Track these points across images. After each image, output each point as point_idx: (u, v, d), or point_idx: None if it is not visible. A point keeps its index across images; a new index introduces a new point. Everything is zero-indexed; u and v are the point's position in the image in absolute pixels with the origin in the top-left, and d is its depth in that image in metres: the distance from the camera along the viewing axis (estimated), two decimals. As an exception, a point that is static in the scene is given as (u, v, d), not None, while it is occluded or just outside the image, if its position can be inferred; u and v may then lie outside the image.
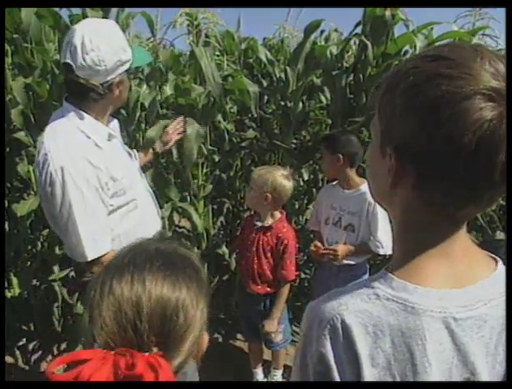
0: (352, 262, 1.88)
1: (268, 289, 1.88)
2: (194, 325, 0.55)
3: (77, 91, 1.26)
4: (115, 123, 1.46)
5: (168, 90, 2.12)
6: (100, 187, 1.22)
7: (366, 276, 1.99)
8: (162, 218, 2.16)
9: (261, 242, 1.84)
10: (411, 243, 0.52)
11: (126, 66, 1.29)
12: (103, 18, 1.94)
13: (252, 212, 2.23)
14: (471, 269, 0.51)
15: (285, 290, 1.87)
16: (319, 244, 1.89)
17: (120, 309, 0.51)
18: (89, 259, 1.22)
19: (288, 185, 1.78)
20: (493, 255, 0.55)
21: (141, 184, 1.46)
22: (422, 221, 0.51)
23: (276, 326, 1.89)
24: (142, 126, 2.27)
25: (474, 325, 0.49)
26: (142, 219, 1.39)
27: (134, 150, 1.63)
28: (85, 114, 1.27)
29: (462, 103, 0.43)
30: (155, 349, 0.50)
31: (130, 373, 0.45)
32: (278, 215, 1.87)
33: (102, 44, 1.21)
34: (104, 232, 1.25)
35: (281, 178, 1.77)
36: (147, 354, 0.48)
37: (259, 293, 1.89)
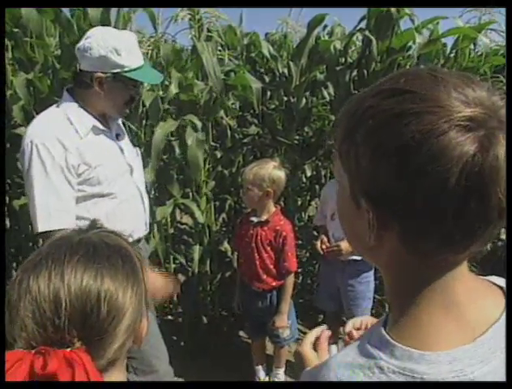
0: (357, 258, 1.88)
1: (274, 284, 1.88)
2: (122, 315, 0.53)
3: (74, 76, 1.41)
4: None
5: (173, 89, 2.10)
6: (66, 168, 1.27)
7: (372, 273, 1.99)
8: (163, 217, 2.16)
9: (259, 237, 1.84)
10: (406, 298, 0.45)
11: (114, 70, 1.34)
12: (104, 13, 1.92)
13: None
14: (479, 315, 0.45)
15: (290, 282, 1.88)
16: (325, 239, 1.89)
17: (38, 308, 0.50)
18: (39, 230, 1.25)
19: (283, 175, 1.84)
20: (498, 284, 0.49)
21: (127, 180, 1.48)
22: (415, 273, 0.45)
23: (286, 320, 1.90)
24: (144, 122, 2.25)
25: (493, 379, 0.42)
26: (119, 212, 1.42)
27: (137, 148, 1.64)
28: (75, 103, 1.37)
29: (438, 141, 0.37)
30: (77, 344, 0.49)
31: (44, 372, 0.44)
32: (273, 208, 1.87)
33: (98, 35, 1.33)
34: (63, 211, 1.27)
35: (276, 170, 1.80)
36: (66, 350, 0.47)
37: (264, 290, 1.88)
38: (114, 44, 1.32)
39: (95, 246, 0.57)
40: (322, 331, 0.73)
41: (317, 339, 0.72)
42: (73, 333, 0.50)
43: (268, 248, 1.85)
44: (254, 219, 1.87)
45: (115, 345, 0.53)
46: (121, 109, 1.44)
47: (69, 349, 0.48)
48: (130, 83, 1.38)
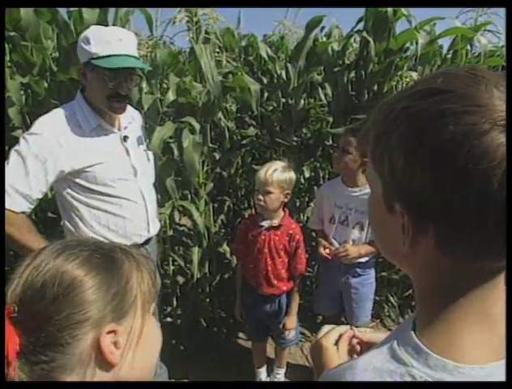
0: (361, 260, 1.88)
1: (284, 288, 1.87)
2: (70, 298, 0.52)
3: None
4: (135, 117, 1.60)
5: (171, 96, 2.09)
6: (50, 160, 1.29)
7: (373, 274, 1.99)
8: (161, 219, 2.16)
9: (272, 242, 1.81)
10: (439, 305, 0.43)
11: (86, 58, 1.34)
12: (101, 15, 1.92)
13: (253, 212, 2.21)
14: None
15: (299, 284, 1.89)
16: (327, 244, 1.88)
17: (11, 283, 0.53)
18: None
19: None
20: None
21: (130, 182, 1.50)
22: (450, 280, 0.43)
23: (296, 322, 1.91)
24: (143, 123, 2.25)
25: None
26: (118, 212, 1.46)
27: (150, 152, 1.66)
28: (85, 101, 1.41)
29: (479, 141, 0.35)
30: (13, 308, 0.50)
31: None
32: (281, 212, 1.84)
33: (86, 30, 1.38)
34: (28, 197, 1.27)
35: (292, 173, 1.80)
36: None
37: (274, 294, 1.87)
38: (88, 33, 1.34)
39: (87, 245, 0.58)
40: (347, 331, 0.70)
41: (339, 336, 0.70)
42: (13, 298, 0.51)
43: (282, 253, 1.82)
44: (265, 223, 1.82)
45: (50, 321, 0.51)
46: (106, 102, 1.39)
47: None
48: (103, 73, 1.33)
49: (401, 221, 0.42)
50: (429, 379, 0.40)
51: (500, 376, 0.40)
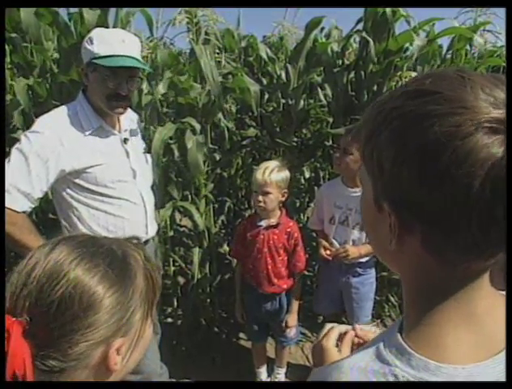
0: (361, 260, 1.88)
1: (285, 286, 1.88)
2: (81, 304, 0.52)
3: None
4: (133, 118, 1.61)
5: (162, 88, 2.10)
6: (48, 160, 1.28)
7: (373, 274, 1.99)
8: (160, 220, 2.16)
9: (271, 241, 1.82)
10: (425, 307, 0.44)
11: (88, 58, 1.35)
12: (101, 16, 1.92)
13: (253, 212, 2.21)
14: (497, 330, 0.42)
15: (299, 281, 1.91)
16: (327, 244, 1.88)
17: (17, 277, 0.52)
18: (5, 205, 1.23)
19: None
20: None
21: (129, 184, 1.50)
22: (437, 281, 0.43)
23: (296, 320, 1.92)
24: (142, 125, 2.26)
25: None
26: (118, 214, 1.46)
27: (148, 155, 1.67)
28: (87, 101, 1.42)
29: (463, 142, 0.35)
30: (24, 316, 0.50)
31: None
32: (278, 211, 1.85)
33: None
34: (29, 196, 1.26)
35: (286, 171, 1.81)
36: (11, 318, 0.48)
37: (274, 293, 1.88)
38: (92, 34, 1.36)
39: (103, 252, 0.57)
40: (348, 330, 0.70)
41: (340, 336, 0.70)
42: (25, 306, 0.50)
43: (281, 251, 1.83)
44: (263, 223, 1.83)
45: (64, 339, 0.51)
46: (106, 102, 1.39)
47: (14, 319, 0.49)
48: (104, 72, 1.34)
49: (388, 220, 0.42)
50: (411, 379, 0.40)
51: (483, 376, 0.39)
